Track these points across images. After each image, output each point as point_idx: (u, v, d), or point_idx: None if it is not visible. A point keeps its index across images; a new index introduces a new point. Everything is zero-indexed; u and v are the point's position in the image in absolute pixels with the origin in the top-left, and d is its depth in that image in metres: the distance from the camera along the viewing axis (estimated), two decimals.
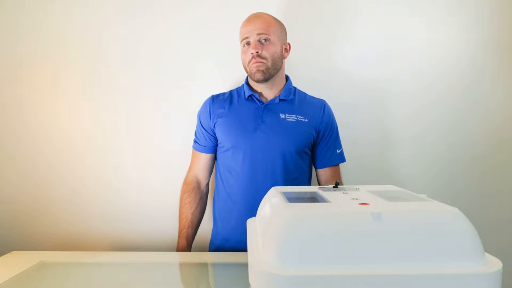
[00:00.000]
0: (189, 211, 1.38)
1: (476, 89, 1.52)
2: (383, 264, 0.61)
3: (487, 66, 1.52)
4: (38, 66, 1.56)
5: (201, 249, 1.54)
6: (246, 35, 1.25)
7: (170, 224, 1.47)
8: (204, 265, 1.19)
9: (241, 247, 1.21)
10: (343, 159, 1.35)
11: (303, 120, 1.28)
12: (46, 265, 1.15)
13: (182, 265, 1.20)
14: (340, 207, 0.72)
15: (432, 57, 1.52)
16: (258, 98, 1.31)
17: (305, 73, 1.52)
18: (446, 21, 1.52)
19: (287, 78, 1.37)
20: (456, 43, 1.52)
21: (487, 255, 0.65)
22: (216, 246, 1.35)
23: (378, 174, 1.55)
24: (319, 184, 1.38)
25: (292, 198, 0.81)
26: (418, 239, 0.63)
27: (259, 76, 1.25)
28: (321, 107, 1.33)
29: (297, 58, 1.50)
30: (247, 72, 1.30)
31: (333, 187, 0.92)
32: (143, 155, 1.57)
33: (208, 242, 1.44)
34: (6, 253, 1.25)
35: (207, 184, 1.44)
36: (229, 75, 1.54)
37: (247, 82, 1.35)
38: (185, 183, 1.42)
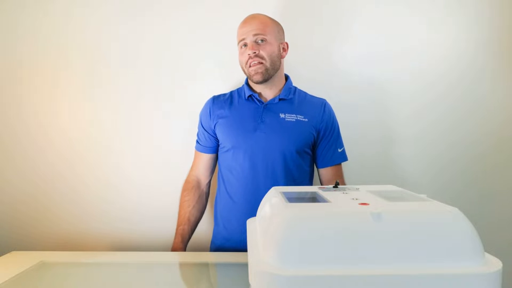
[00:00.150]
0: (187, 209, 1.39)
1: (476, 89, 1.53)
2: (383, 264, 0.61)
3: (487, 66, 1.52)
4: (38, 66, 1.56)
5: (201, 249, 1.55)
6: (243, 37, 1.25)
7: (170, 224, 1.47)
8: (204, 265, 1.19)
9: (242, 247, 1.21)
10: (345, 158, 1.35)
11: (303, 119, 1.28)
12: (46, 265, 1.15)
13: (182, 265, 1.20)
14: (340, 207, 0.72)
15: (432, 57, 1.52)
16: (258, 98, 1.31)
17: (305, 73, 1.52)
18: (446, 21, 1.52)
19: (287, 77, 1.37)
20: (456, 43, 1.52)
21: (487, 255, 0.65)
22: (217, 246, 1.36)
23: (379, 174, 1.55)
24: (321, 184, 1.38)
25: (292, 198, 0.81)
26: (418, 239, 0.63)
27: (258, 77, 1.25)
28: (322, 106, 1.33)
29: (297, 59, 1.50)
30: (245, 73, 1.30)
31: (333, 187, 0.92)
32: (143, 155, 1.57)
33: (208, 242, 1.45)
34: (6, 253, 1.25)
35: (208, 184, 1.44)
36: (229, 75, 1.54)
37: (247, 83, 1.35)
38: (186, 182, 1.44)
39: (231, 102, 1.35)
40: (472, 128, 1.53)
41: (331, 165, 1.33)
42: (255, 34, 1.23)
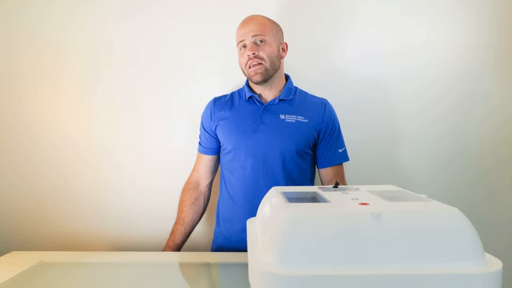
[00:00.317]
0: (183, 208, 1.40)
1: (476, 88, 1.53)
2: (383, 264, 0.61)
3: (487, 65, 1.52)
4: (38, 66, 1.56)
5: (202, 249, 1.55)
6: (242, 38, 1.25)
7: (170, 224, 1.47)
8: (204, 265, 1.19)
9: (243, 247, 1.22)
10: (346, 158, 1.35)
11: (303, 120, 1.28)
12: (46, 265, 1.15)
13: (183, 265, 1.20)
14: (340, 207, 0.72)
15: (432, 56, 1.52)
16: (258, 99, 1.31)
17: (305, 73, 1.52)
18: (446, 21, 1.52)
19: (287, 78, 1.37)
20: (456, 42, 1.52)
21: (487, 255, 0.65)
22: (218, 245, 1.36)
23: (379, 173, 1.55)
24: (322, 184, 1.38)
25: (292, 198, 0.81)
26: (418, 239, 0.63)
27: (257, 78, 1.25)
28: (322, 106, 1.33)
29: (297, 59, 1.50)
30: (245, 75, 1.30)
31: (333, 187, 0.92)
32: (143, 155, 1.57)
33: (209, 242, 1.46)
34: (6, 253, 1.25)
35: (208, 186, 1.45)
36: (230, 75, 1.54)
37: (247, 84, 1.36)
38: (186, 182, 1.44)
39: (232, 104, 1.35)
40: (472, 127, 1.53)
41: (331, 165, 1.33)
42: (254, 35, 1.24)
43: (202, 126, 1.40)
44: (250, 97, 1.32)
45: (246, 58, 1.24)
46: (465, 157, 1.54)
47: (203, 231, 1.56)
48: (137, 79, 1.56)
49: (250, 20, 1.27)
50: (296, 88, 1.37)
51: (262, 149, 1.26)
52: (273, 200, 0.81)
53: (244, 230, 0.93)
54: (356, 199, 0.76)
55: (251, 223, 0.90)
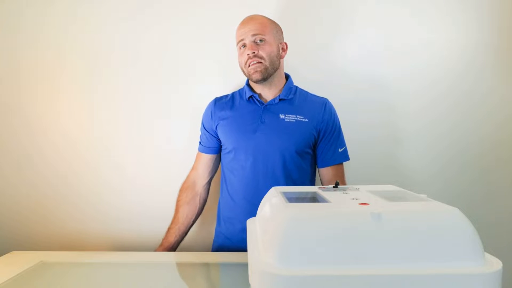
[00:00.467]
0: (178, 208, 1.42)
1: (476, 88, 1.52)
2: (383, 264, 0.61)
3: (487, 65, 1.52)
4: (38, 67, 1.56)
5: (202, 249, 1.55)
6: (242, 37, 1.26)
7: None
8: (204, 265, 1.19)
9: (243, 246, 1.21)
10: (346, 158, 1.35)
11: (303, 120, 1.28)
12: (46, 265, 1.15)
13: (183, 265, 1.20)
14: (340, 207, 0.72)
15: (432, 56, 1.52)
16: (258, 99, 1.31)
17: (306, 73, 1.51)
18: (446, 21, 1.52)
19: (287, 77, 1.37)
20: (456, 42, 1.52)
21: (487, 255, 0.65)
22: (218, 245, 1.37)
23: (379, 173, 1.55)
24: (322, 184, 1.38)
25: (292, 198, 0.81)
26: (418, 239, 0.63)
27: (257, 76, 1.25)
28: (322, 105, 1.33)
29: (297, 58, 1.50)
30: (245, 74, 1.30)
31: (333, 187, 0.92)
32: (143, 155, 1.57)
33: (210, 242, 1.46)
34: (6, 253, 1.25)
35: (205, 186, 1.45)
36: (230, 75, 1.53)
37: (247, 84, 1.36)
38: (183, 181, 1.45)
39: (233, 104, 1.36)
40: (472, 127, 1.53)
41: (331, 165, 1.33)
42: (254, 34, 1.24)
43: (203, 125, 1.41)
44: (251, 96, 1.32)
45: (246, 57, 1.25)
46: (465, 157, 1.54)
47: (203, 231, 1.56)
48: (137, 79, 1.56)
49: (249, 19, 1.27)
50: (296, 87, 1.37)
51: (262, 149, 1.26)
52: (273, 200, 0.81)
53: (244, 229, 0.94)
54: (356, 199, 0.76)
55: (251, 223, 0.90)
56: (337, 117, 1.35)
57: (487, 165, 1.54)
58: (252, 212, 0.95)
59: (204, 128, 1.40)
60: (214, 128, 1.36)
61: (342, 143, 1.34)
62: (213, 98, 1.42)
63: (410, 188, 0.98)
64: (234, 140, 1.29)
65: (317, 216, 0.66)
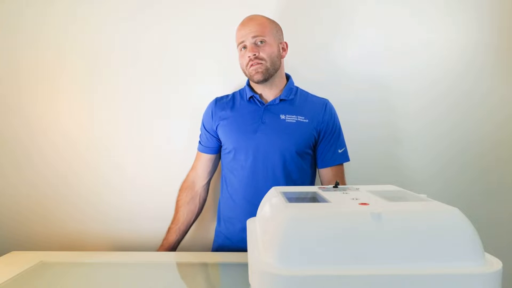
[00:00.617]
0: (178, 208, 1.43)
1: (476, 88, 1.52)
2: (383, 264, 0.61)
3: (487, 65, 1.52)
4: (38, 67, 1.56)
5: (202, 249, 1.55)
6: (242, 39, 1.26)
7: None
8: (204, 265, 1.19)
9: (243, 246, 1.22)
10: (346, 159, 1.35)
11: (304, 120, 1.28)
12: (46, 265, 1.15)
13: (183, 265, 1.20)
14: (340, 207, 0.72)
15: (432, 56, 1.52)
16: (259, 99, 1.31)
17: (306, 73, 1.51)
18: (445, 21, 1.52)
19: (288, 77, 1.37)
20: (456, 42, 1.52)
21: (487, 255, 0.65)
22: (218, 244, 1.37)
23: (380, 173, 1.55)
24: (322, 184, 1.38)
25: (292, 198, 0.81)
26: (418, 239, 0.63)
27: (258, 77, 1.25)
28: (323, 106, 1.33)
29: (297, 58, 1.50)
30: (246, 75, 1.30)
31: (333, 187, 0.92)
32: (143, 155, 1.57)
33: (210, 242, 1.46)
34: (6, 253, 1.25)
35: (204, 186, 1.45)
36: (230, 75, 1.53)
37: (248, 84, 1.36)
38: (183, 181, 1.46)
39: (233, 104, 1.36)
40: (472, 127, 1.53)
41: (331, 166, 1.33)
42: (254, 36, 1.24)
43: (203, 125, 1.41)
44: (251, 97, 1.32)
45: (247, 59, 1.25)
46: (465, 157, 1.54)
47: (202, 231, 1.56)
48: (137, 79, 1.56)
49: (249, 20, 1.27)
50: (297, 88, 1.37)
51: (262, 149, 1.26)
52: (273, 200, 0.81)
53: (244, 229, 0.94)
54: (356, 199, 0.76)
55: (251, 223, 0.90)
56: (337, 117, 1.35)
57: (487, 165, 1.54)
58: (252, 212, 0.95)
59: (205, 128, 1.40)
60: (215, 128, 1.36)
61: (342, 144, 1.34)
62: (213, 98, 1.42)
63: (410, 188, 0.98)
64: (234, 140, 1.30)
65: (317, 216, 0.66)
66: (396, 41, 1.53)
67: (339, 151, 1.33)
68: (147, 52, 1.55)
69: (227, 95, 1.41)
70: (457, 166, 1.54)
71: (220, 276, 1.16)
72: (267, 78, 1.26)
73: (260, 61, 1.24)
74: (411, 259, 0.62)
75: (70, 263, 1.18)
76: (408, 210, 0.70)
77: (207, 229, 1.56)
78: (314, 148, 1.32)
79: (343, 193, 0.83)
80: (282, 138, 1.26)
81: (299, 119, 1.28)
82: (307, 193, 0.90)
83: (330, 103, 1.35)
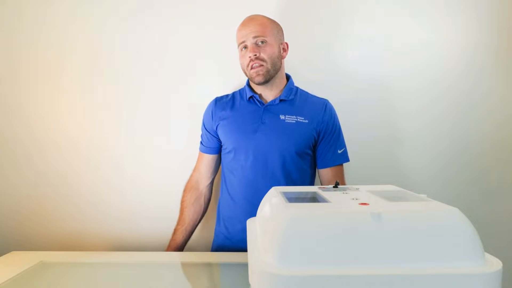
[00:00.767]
0: (183, 209, 1.42)
1: (476, 88, 1.52)
2: (383, 264, 0.61)
3: (487, 65, 1.52)
4: (38, 67, 1.56)
5: (201, 249, 1.55)
6: (243, 39, 1.25)
7: (170, 224, 1.47)
8: (204, 265, 1.19)
9: (243, 246, 1.22)
10: (345, 159, 1.34)
11: (303, 121, 1.28)
12: (46, 265, 1.15)
13: (183, 265, 1.20)
14: (340, 207, 0.72)
15: (432, 56, 1.52)
16: (259, 99, 1.31)
17: (306, 73, 1.51)
18: (446, 21, 1.52)
19: (288, 78, 1.37)
20: (456, 42, 1.52)
21: (487, 255, 0.65)
22: (218, 244, 1.37)
23: (380, 173, 1.55)
24: (321, 184, 1.38)
25: (292, 198, 0.81)
26: (418, 239, 0.63)
27: (259, 79, 1.25)
28: (323, 106, 1.33)
29: (297, 58, 1.50)
30: (246, 75, 1.30)
31: (333, 187, 0.92)
32: (143, 155, 1.57)
33: (210, 242, 1.46)
34: (6, 253, 1.25)
35: (208, 186, 1.45)
36: (230, 75, 1.53)
37: (248, 84, 1.36)
38: (187, 182, 1.45)
39: (233, 104, 1.36)
40: (472, 127, 1.53)
41: (330, 166, 1.33)
42: (255, 36, 1.23)
43: (204, 125, 1.41)
44: (251, 97, 1.32)
45: (248, 59, 1.25)
46: (465, 157, 1.54)
47: (203, 231, 1.56)
48: (137, 79, 1.56)
49: (250, 20, 1.27)
50: (297, 88, 1.37)
51: (262, 150, 1.26)
52: (273, 200, 0.81)
53: (244, 229, 0.94)
54: (356, 199, 0.76)
55: (251, 223, 0.90)
56: (337, 118, 1.35)
57: (487, 165, 1.54)
58: (252, 212, 0.95)
59: (205, 128, 1.40)
60: (215, 128, 1.36)
61: (342, 144, 1.34)
62: (213, 98, 1.42)
63: (410, 188, 0.98)
64: (234, 140, 1.30)
65: (317, 216, 0.66)
66: (396, 41, 1.53)
67: (339, 151, 1.33)
68: (147, 52, 1.55)
69: (227, 95, 1.41)
70: (457, 166, 1.54)
71: (220, 276, 1.16)
72: (268, 80, 1.27)
73: (261, 62, 1.24)
74: (411, 259, 0.62)
75: (70, 263, 1.18)
76: (408, 210, 0.70)
77: (207, 229, 1.55)
78: (314, 148, 1.32)
79: (343, 193, 0.83)
80: (281, 139, 1.26)
81: (298, 119, 1.28)
82: (307, 193, 0.90)
83: (330, 104, 1.35)
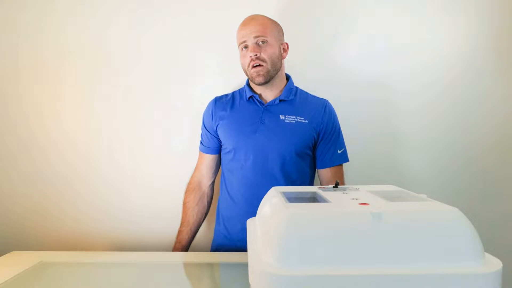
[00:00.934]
0: (187, 211, 1.41)
1: (476, 88, 1.52)
2: (383, 264, 0.61)
3: (487, 65, 1.52)
4: (38, 66, 1.56)
5: (201, 248, 1.55)
6: (244, 39, 1.25)
7: (170, 224, 1.48)
8: (204, 265, 1.19)
9: (243, 246, 1.22)
10: (345, 160, 1.35)
11: (303, 121, 1.28)
12: (46, 265, 1.15)
13: (183, 265, 1.20)
14: (340, 207, 0.72)
15: (432, 56, 1.52)
16: (259, 99, 1.31)
17: (305, 73, 1.52)
18: (446, 21, 1.52)
19: (288, 78, 1.37)
20: (457, 42, 1.52)
21: (487, 255, 0.65)
22: (218, 244, 1.37)
23: (380, 173, 1.55)
24: (321, 185, 1.38)
25: (292, 198, 0.81)
26: (418, 239, 0.63)
27: (260, 79, 1.25)
28: (322, 107, 1.33)
29: (297, 58, 1.50)
30: (247, 75, 1.30)
31: (333, 187, 0.92)
32: (143, 155, 1.57)
33: (209, 242, 1.46)
34: (6, 253, 1.25)
35: (210, 185, 1.45)
36: (231, 75, 1.54)
37: (248, 84, 1.36)
38: (188, 183, 1.45)
39: (233, 103, 1.36)
40: (472, 127, 1.53)
41: (330, 166, 1.33)
42: (256, 36, 1.23)
43: (204, 125, 1.41)
44: (251, 97, 1.32)
45: (249, 59, 1.25)
46: (465, 157, 1.54)
47: (202, 231, 1.56)
48: (137, 79, 1.56)
49: (251, 20, 1.27)
50: (297, 88, 1.37)
51: (261, 150, 1.26)
52: (273, 200, 0.81)
53: (244, 229, 0.94)
54: (356, 199, 0.76)
55: (251, 223, 0.90)
56: (337, 118, 1.35)
57: (487, 165, 1.54)
58: (252, 212, 0.95)
59: (205, 128, 1.40)
60: (215, 128, 1.36)
61: (341, 144, 1.34)
62: (213, 98, 1.42)
63: (410, 188, 0.98)
64: (234, 140, 1.30)
65: (317, 216, 0.66)
66: (396, 41, 1.53)
67: (339, 151, 1.33)
68: (147, 52, 1.55)
69: (227, 95, 1.41)
70: (457, 166, 1.54)
71: (220, 276, 1.16)
72: (268, 80, 1.27)
73: (261, 63, 1.24)
74: (411, 259, 0.62)
75: (70, 263, 1.18)
76: (408, 210, 0.70)
77: (207, 229, 1.56)
78: (314, 148, 1.32)
79: (343, 193, 0.83)
80: (281, 139, 1.26)
81: (298, 119, 1.28)
82: (307, 193, 0.90)
83: (330, 104, 1.35)
